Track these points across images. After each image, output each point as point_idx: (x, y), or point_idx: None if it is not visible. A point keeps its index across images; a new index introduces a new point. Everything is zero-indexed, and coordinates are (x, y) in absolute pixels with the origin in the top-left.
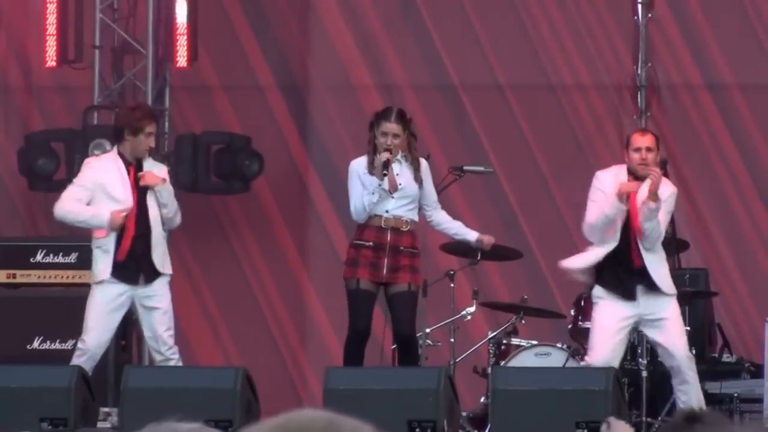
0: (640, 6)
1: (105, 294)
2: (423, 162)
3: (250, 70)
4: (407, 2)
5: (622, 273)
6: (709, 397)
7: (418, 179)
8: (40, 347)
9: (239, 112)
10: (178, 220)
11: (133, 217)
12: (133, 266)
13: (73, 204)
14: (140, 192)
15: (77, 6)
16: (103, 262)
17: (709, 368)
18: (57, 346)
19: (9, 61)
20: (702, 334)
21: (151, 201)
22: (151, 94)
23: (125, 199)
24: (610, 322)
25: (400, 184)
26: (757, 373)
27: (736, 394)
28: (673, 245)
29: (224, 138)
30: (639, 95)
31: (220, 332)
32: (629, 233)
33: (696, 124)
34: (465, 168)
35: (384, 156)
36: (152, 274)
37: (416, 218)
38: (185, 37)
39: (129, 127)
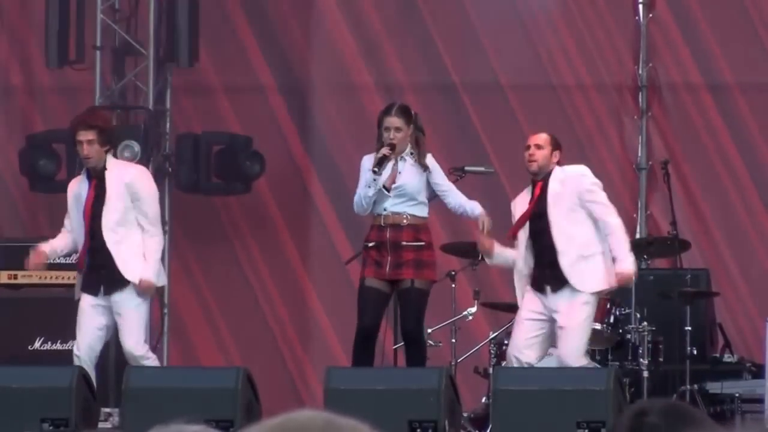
0: (641, 6)
1: (82, 304)
2: (428, 155)
3: (251, 70)
4: (408, 3)
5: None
6: (711, 398)
7: (425, 169)
8: (42, 348)
9: (240, 113)
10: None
11: (87, 230)
12: (94, 278)
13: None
14: (94, 204)
15: (78, 7)
16: (80, 274)
17: (710, 368)
18: (58, 346)
19: (10, 62)
20: (703, 335)
21: (106, 211)
22: (152, 94)
23: (78, 216)
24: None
25: (393, 184)
26: (758, 373)
27: (737, 395)
28: (675, 245)
29: (225, 138)
30: (640, 95)
31: (221, 332)
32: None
33: (697, 124)
34: (466, 168)
35: (382, 151)
36: (116, 284)
37: (419, 213)
38: (186, 37)
39: (72, 139)
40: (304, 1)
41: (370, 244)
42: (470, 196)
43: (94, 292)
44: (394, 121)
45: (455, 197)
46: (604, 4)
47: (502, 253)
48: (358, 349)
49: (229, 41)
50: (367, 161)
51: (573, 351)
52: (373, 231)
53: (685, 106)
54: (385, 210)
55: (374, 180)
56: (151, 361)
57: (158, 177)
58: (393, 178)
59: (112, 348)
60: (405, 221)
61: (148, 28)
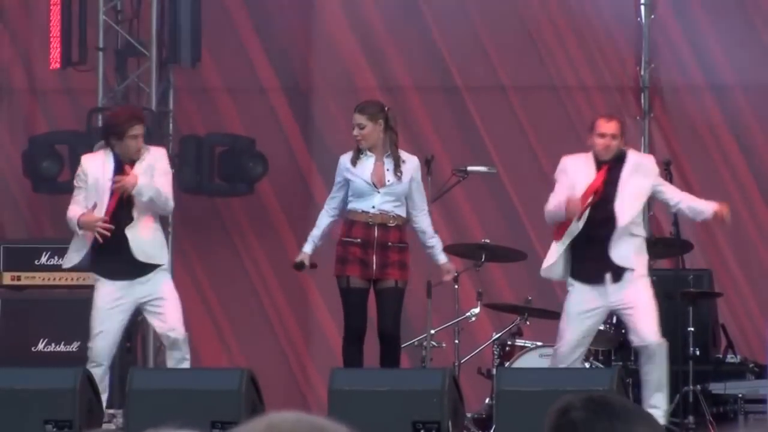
0: (642, 7)
1: None
2: (414, 161)
3: (254, 72)
4: (410, 4)
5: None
6: (714, 398)
7: (398, 174)
8: (45, 349)
9: (243, 114)
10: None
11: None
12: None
13: (70, 209)
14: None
15: (81, 8)
16: None
17: (713, 369)
18: (62, 348)
19: (13, 64)
20: (706, 335)
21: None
22: (155, 96)
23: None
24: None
25: (388, 180)
26: (761, 373)
27: (740, 395)
28: (678, 246)
29: (228, 140)
30: (642, 96)
31: (225, 334)
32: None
33: (699, 125)
34: (469, 169)
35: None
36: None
37: (404, 214)
38: (189, 38)
39: (113, 133)
40: (307, 3)
41: (356, 241)
42: (473, 197)
43: None
44: (356, 117)
45: (422, 221)
46: (606, 6)
47: None
48: (348, 351)
49: (232, 42)
50: (343, 160)
51: (654, 327)
52: (358, 228)
53: (686, 106)
54: (373, 207)
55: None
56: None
57: None
58: (381, 176)
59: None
60: (392, 222)
61: (151, 29)
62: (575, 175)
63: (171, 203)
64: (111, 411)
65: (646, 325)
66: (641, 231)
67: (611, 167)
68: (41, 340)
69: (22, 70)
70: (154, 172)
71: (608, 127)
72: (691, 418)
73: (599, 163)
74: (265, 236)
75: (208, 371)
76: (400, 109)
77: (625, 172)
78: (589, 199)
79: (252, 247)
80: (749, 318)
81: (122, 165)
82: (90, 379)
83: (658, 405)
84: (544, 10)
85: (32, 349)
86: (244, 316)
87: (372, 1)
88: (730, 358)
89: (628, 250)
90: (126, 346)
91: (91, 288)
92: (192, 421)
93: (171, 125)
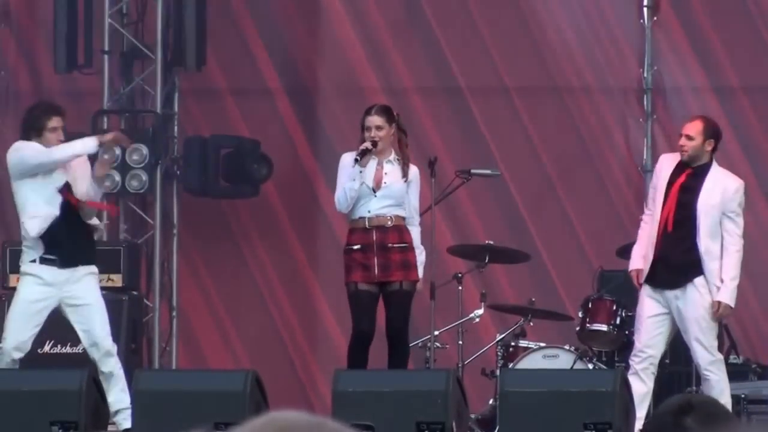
0: (645, 9)
1: None
2: (414, 169)
3: (259, 74)
4: (413, 6)
5: None
6: None
7: (405, 175)
8: (51, 351)
9: (247, 116)
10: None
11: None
12: None
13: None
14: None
15: (86, 11)
16: None
17: None
18: (68, 349)
19: (19, 66)
20: None
21: None
22: (160, 98)
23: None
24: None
25: (384, 183)
26: (763, 374)
27: (743, 395)
28: None
29: (233, 142)
30: (645, 98)
31: (230, 336)
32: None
33: None
34: (472, 171)
35: (364, 144)
36: None
37: (403, 214)
38: (194, 41)
39: (32, 128)
40: (311, 5)
41: (355, 247)
42: (477, 199)
43: None
44: (374, 119)
45: (411, 231)
46: (609, 8)
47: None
48: (354, 354)
49: (237, 45)
50: (347, 158)
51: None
52: (357, 234)
53: (689, 108)
54: (369, 212)
55: (360, 172)
56: None
57: (166, 180)
58: (380, 179)
59: (121, 349)
60: (390, 222)
61: (156, 32)
62: None
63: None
64: None
65: None
66: None
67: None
68: (47, 342)
69: (28, 73)
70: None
71: (686, 128)
72: None
73: None
74: (270, 238)
75: (213, 373)
76: (404, 110)
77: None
78: None
79: (256, 248)
80: (751, 319)
81: None
82: (96, 381)
83: None
84: (547, 13)
85: (38, 350)
86: (249, 317)
87: (375, 3)
88: (733, 359)
89: None
90: (131, 347)
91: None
92: (197, 423)
93: (176, 127)
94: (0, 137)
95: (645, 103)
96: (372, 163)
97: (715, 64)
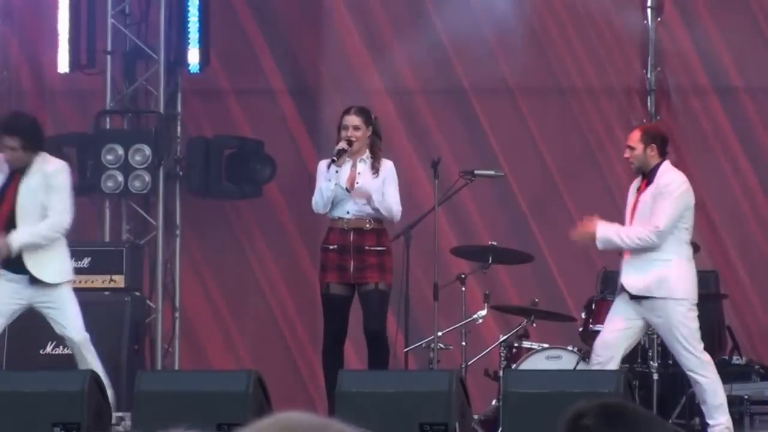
0: (649, 11)
1: None
2: (388, 163)
3: (262, 74)
4: (417, 7)
5: None
6: None
7: (377, 171)
8: (53, 352)
9: (250, 117)
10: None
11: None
12: None
13: None
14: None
15: (89, 11)
16: None
17: (719, 370)
18: (69, 351)
19: (22, 66)
20: (712, 337)
21: None
22: (163, 98)
23: None
24: None
25: (357, 183)
26: (766, 375)
27: (746, 396)
28: None
29: (236, 142)
30: (649, 99)
31: (232, 336)
32: None
33: (705, 128)
34: (476, 172)
35: (340, 144)
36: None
37: (380, 217)
38: (197, 41)
39: None
40: (314, 5)
41: (332, 247)
42: (480, 200)
43: None
44: (352, 119)
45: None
46: (613, 9)
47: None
48: (328, 355)
49: (240, 45)
50: (323, 164)
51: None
52: (334, 234)
53: (693, 109)
54: (348, 213)
55: (336, 172)
56: None
57: (169, 181)
58: (353, 179)
59: (123, 350)
60: (368, 225)
61: (159, 32)
62: None
63: (60, 225)
64: (119, 414)
65: None
66: None
67: None
68: (49, 343)
69: (31, 73)
70: (48, 190)
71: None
72: (696, 420)
73: None
74: (273, 238)
75: (216, 373)
76: (408, 111)
77: None
78: None
79: (260, 249)
80: (754, 319)
81: (14, 174)
82: (98, 382)
83: None
84: (551, 13)
85: (40, 351)
86: (252, 317)
87: (379, 4)
88: (736, 360)
89: None
90: (134, 348)
91: (101, 290)
92: (199, 423)
93: (179, 128)
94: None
95: (649, 103)
96: (347, 165)
97: (718, 65)
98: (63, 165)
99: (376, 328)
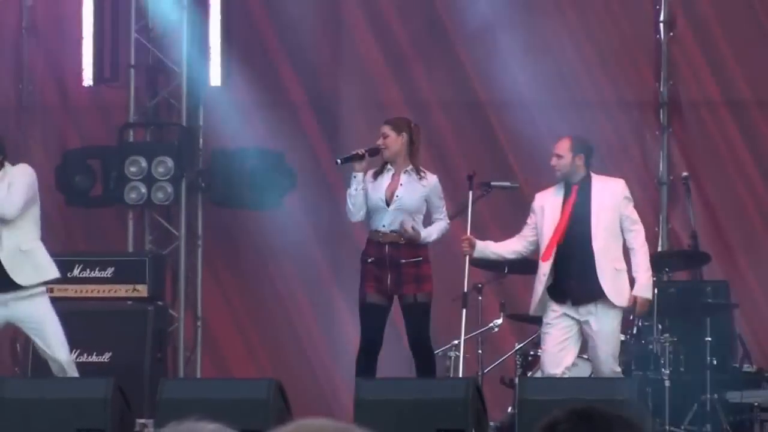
0: (661, 25)
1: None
2: (432, 179)
3: (282, 87)
4: (435, 22)
5: None
6: (731, 407)
7: (420, 184)
8: (78, 360)
9: (271, 129)
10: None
11: None
12: None
13: None
14: None
15: (113, 26)
16: None
17: (730, 378)
18: (94, 358)
19: (47, 81)
20: (723, 345)
21: None
22: (185, 111)
23: None
24: None
25: (397, 196)
26: None
27: (756, 404)
28: (696, 258)
29: (257, 154)
30: (661, 112)
31: (253, 344)
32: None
33: (716, 140)
34: (492, 184)
35: (357, 150)
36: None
37: (417, 228)
38: (218, 55)
39: None
40: (334, 19)
41: (370, 260)
42: (496, 211)
43: None
44: (381, 128)
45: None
46: (626, 24)
47: (484, 249)
48: (361, 364)
49: (261, 59)
50: (369, 173)
51: (610, 357)
52: (371, 246)
53: (704, 122)
54: (384, 226)
55: (354, 177)
56: None
57: (192, 192)
58: (392, 191)
59: (147, 358)
60: (402, 240)
61: (181, 46)
62: None
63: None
64: (142, 421)
65: None
66: None
67: None
68: (74, 351)
69: (56, 87)
70: (10, 188)
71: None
72: (708, 427)
73: None
74: (293, 249)
75: (237, 381)
76: (425, 124)
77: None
78: None
79: (280, 260)
80: (764, 328)
81: None
82: (121, 389)
83: None
84: (565, 27)
85: None
86: (273, 326)
87: (398, 18)
88: (747, 368)
89: None
90: (157, 356)
91: (125, 300)
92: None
93: (201, 140)
94: (27, 151)
95: (661, 116)
96: (388, 175)
97: (729, 78)
98: (25, 165)
99: (418, 340)
